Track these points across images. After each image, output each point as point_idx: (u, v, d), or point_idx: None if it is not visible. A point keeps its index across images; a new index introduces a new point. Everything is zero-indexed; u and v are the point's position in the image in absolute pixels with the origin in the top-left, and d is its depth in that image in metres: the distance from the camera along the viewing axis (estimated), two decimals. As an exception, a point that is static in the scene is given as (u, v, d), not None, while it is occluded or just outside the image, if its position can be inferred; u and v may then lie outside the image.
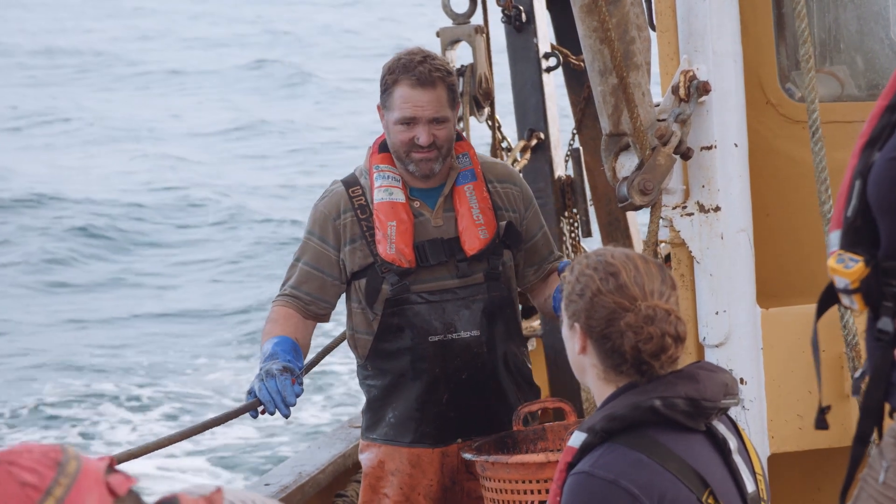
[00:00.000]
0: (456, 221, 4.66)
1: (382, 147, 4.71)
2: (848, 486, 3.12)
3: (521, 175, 4.95)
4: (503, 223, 4.70)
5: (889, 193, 2.97)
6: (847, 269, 2.98)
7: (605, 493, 2.95)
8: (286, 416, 4.42)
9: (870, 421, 3.06)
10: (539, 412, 4.83)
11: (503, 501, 4.30)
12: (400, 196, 4.63)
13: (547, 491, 4.07)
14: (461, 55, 6.73)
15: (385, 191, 4.63)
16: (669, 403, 3.01)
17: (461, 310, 4.65)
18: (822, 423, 3.25)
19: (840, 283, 3.01)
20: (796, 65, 4.40)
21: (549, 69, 7.16)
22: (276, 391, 4.38)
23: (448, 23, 6.67)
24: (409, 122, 4.54)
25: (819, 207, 4.07)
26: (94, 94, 35.06)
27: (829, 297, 3.14)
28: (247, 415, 4.53)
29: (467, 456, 4.40)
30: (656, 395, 3.02)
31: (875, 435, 3.13)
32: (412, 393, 4.69)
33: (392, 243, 4.58)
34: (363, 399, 4.87)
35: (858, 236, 3.02)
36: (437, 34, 6.65)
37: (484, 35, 6.64)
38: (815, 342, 3.20)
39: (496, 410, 4.75)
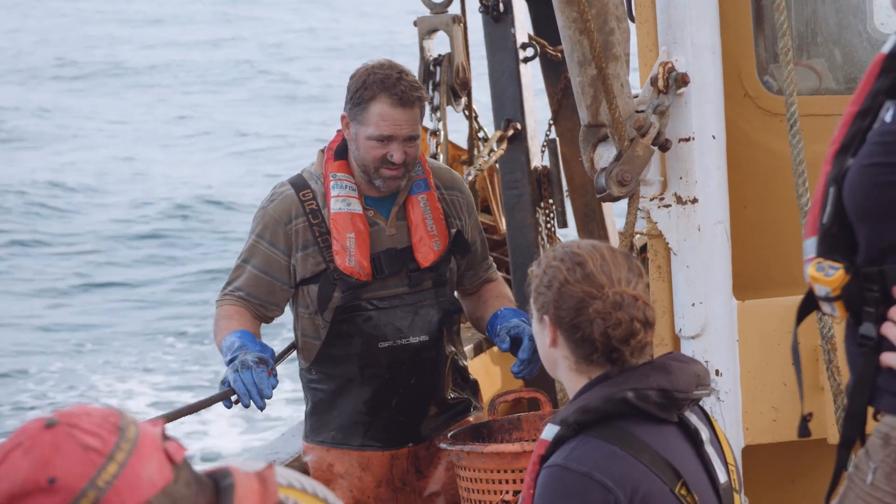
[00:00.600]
0: (409, 231, 4.65)
1: (338, 154, 4.65)
2: (833, 490, 3.12)
3: (461, 177, 4.94)
4: (453, 231, 4.70)
5: (866, 200, 2.97)
6: (827, 276, 2.98)
7: (578, 485, 2.95)
8: (261, 409, 4.39)
9: (854, 426, 3.06)
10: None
11: (478, 491, 4.30)
12: (357, 207, 4.59)
13: (522, 481, 4.07)
14: (438, 45, 6.72)
15: (343, 201, 4.58)
16: (642, 395, 3.02)
17: (410, 316, 4.65)
18: (804, 430, 3.26)
19: (821, 291, 3.01)
20: (775, 57, 4.40)
21: (526, 59, 7.16)
22: (253, 383, 4.34)
23: (426, 12, 6.66)
24: (385, 139, 4.49)
25: (797, 200, 4.07)
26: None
27: (808, 305, 3.14)
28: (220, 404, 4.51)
29: (443, 445, 4.40)
30: (629, 386, 3.03)
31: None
32: (360, 398, 4.68)
33: (351, 256, 4.56)
34: None
35: (835, 242, 3.02)
36: (415, 23, 6.64)
37: (461, 25, 6.64)
38: (796, 350, 3.20)
39: (443, 412, 4.76)
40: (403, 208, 4.66)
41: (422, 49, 6.63)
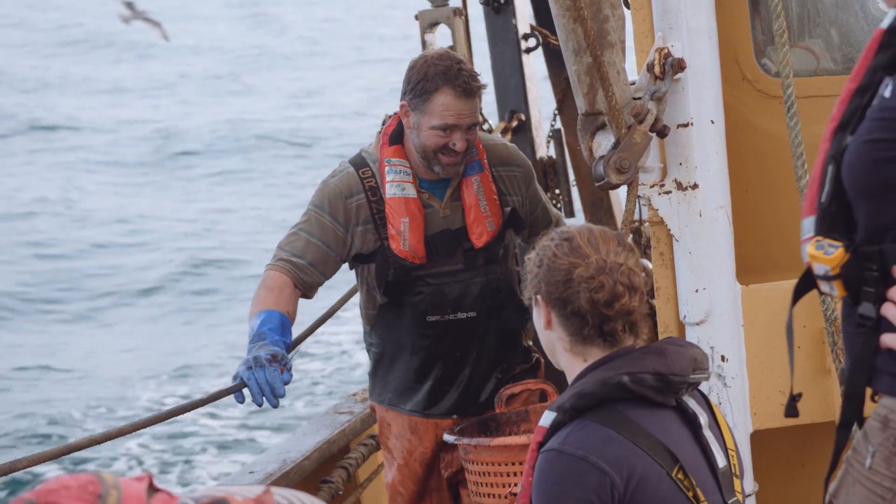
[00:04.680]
0: (463, 212, 4.78)
1: (393, 139, 4.78)
2: (832, 471, 3.09)
3: (518, 150, 5.03)
4: (507, 209, 4.82)
5: (866, 178, 2.93)
6: (827, 255, 2.95)
7: (574, 469, 2.95)
8: (275, 407, 4.41)
9: (853, 407, 3.03)
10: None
11: (486, 484, 4.29)
12: (412, 191, 4.73)
13: (529, 472, 4.06)
14: (440, 38, 6.70)
15: (397, 186, 4.73)
16: (637, 379, 3.02)
17: (460, 292, 4.77)
18: (792, 410, 3.23)
19: (819, 269, 2.97)
20: (771, 40, 4.37)
21: (528, 50, 7.15)
22: (266, 382, 4.36)
23: (427, 5, 6.64)
24: (449, 128, 4.62)
25: (796, 182, 4.05)
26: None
27: (805, 284, 3.11)
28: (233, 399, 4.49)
29: (449, 438, 4.39)
30: (624, 370, 3.03)
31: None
32: (411, 365, 4.84)
33: (406, 240, 4.70)
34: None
35: (834, 221, 2.99)
36: (416, 17, 6.62)
37: (463, 17, 6.62)
38: (790, 329, 3.17)
39: (491, 385, 4.86)
40: (458, 190, 4.79)
41: (423, 43, 6.61)
